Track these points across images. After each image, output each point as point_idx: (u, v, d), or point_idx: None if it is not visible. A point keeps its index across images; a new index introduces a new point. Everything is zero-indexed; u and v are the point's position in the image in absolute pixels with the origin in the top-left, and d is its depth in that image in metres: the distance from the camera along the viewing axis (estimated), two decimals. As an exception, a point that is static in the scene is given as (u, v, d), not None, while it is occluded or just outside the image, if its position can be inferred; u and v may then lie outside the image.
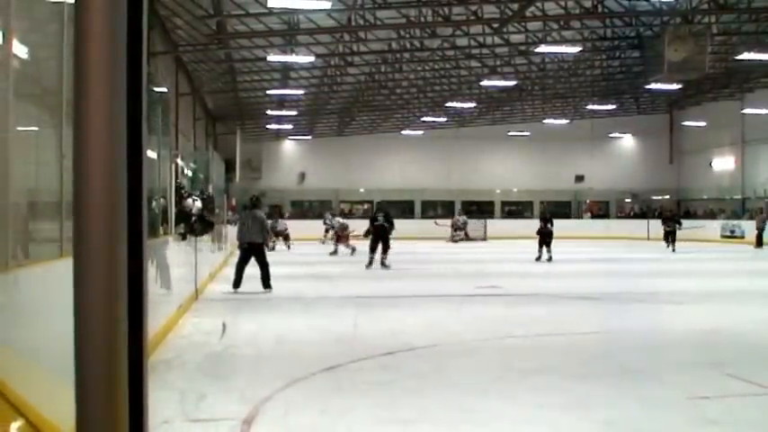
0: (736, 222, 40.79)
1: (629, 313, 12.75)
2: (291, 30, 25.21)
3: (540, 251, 24.94)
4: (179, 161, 14.57)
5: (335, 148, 48.75)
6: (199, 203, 14.03)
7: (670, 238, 31.15)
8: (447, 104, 39.51)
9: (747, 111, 41.80)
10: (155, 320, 8.53)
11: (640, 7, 25.43)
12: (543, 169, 49.65)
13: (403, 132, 48.46)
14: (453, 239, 40.20)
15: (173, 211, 12.54)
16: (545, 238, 24.97)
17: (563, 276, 19.92)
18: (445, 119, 44.77)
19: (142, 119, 1.19)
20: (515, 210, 51.23)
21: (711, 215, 45.06)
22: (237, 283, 15.10)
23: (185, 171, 16.00)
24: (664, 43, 25.81)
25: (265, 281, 15.21)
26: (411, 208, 48.91)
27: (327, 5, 20.59)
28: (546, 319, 11.94)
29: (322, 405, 6.41)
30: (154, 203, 11.05)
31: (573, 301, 14.40)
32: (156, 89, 12.77)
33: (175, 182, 13.29)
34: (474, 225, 42.31)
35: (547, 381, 7.39)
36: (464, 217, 42.41)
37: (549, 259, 24.35)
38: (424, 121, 45.22)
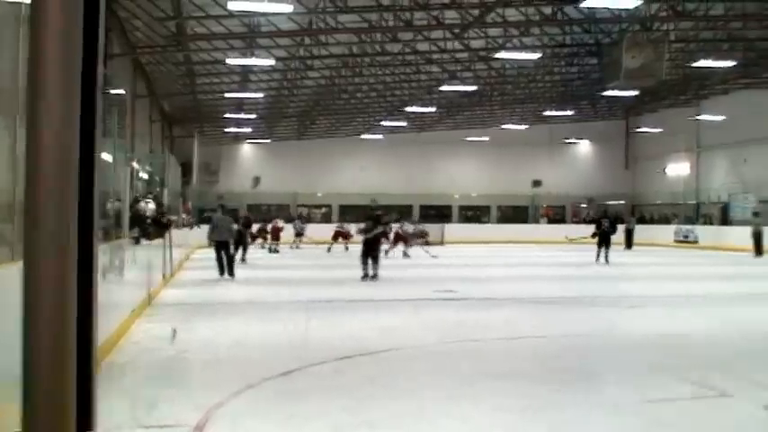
0: (689, 227, 41.46)
1: (585, 317, 12.87)
2: (252, 32, 25.10)
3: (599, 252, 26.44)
4: (135, 164, 14.42)
5: (295, 151, 48.60)
6: (152, 206, 13.93)
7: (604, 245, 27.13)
8: (407, 109, 39.59)
9: (702, 117, 42.50)
10: (107, 325, 8.43)
11: (599, 14, 25.71)
12: (501, 174, 50.01)
13: (362, 136, 48.47)
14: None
15: (127, 214, 12.41)
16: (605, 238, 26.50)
17: (520, 280, 20.04)
18: (405, 123, 44.87)
19: (96, 121, 1.17)
20: (473, 214, 51.48)
21: (665, 220, 45.78)
22: (222, 271, 18.83)
23: (141, 174, 15.85)
24: (621, 50, 26.13)
25: (230, 270, 18.91)
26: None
27: (289, 9, 20.52)
28: (503, 323, 12.02)
29: (276, 411, 6.38)
30: (109, 205, 10.93)
31: (530, 306, 14.50)
32: (113, 91, 12.65)
33: (131, 185, 13.16)
34: (430, 229, 42.29)
35: (504, 385, 7.44)
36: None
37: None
38: (383, 126, 45.27)
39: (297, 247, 35.38)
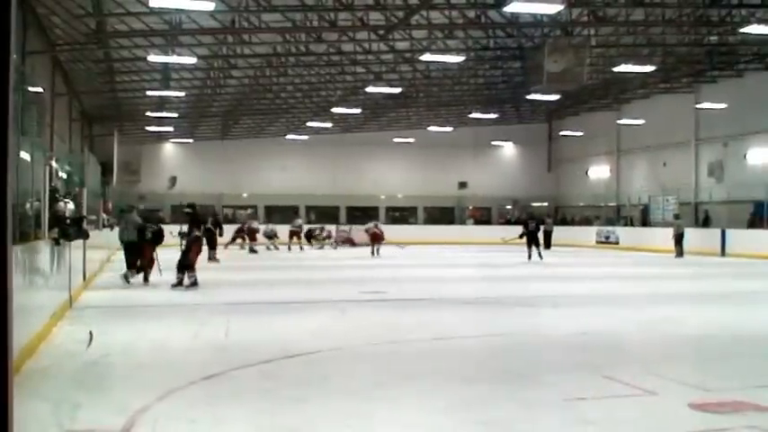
0: (610, 229, 42.43)
1: (509, 317, 13.03)
2: (173, 30, 24.75)
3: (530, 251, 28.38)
4: (53, 163, 14.07)
5: (218, 151, 48.14)
6: (71, 206, 13.62)
7: (534, 244, 28.95)
8: (332, 110, 39.56)
9: (623, 121, 43.55)
10: (26, 329, 8.21)
11: (522, 19, 26.08)
12: (428, 175, 50.39)
13: (288, 137, 48.25)
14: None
15: (46, 215, 12.10)
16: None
17: (446, 281, 20.22)
18: (331, 124, 44.83)
19: (8, 119, 1.15)
20: (400, 216, 51.73)
21: (587, 222, 46.75)
22: (134, 270, 18.13)
23: (60, 173, 15.46)
24: (544, 54, 26.56)
25: (139, 269, 18.15)
26: (296, 213, 48.69)
27: (211, 6, 20.25)
28: (429, 323, 12.09)
29: (200, 414, 6.31)
30: (28, 206, 10.64)
31: (455, 306, 14.63)
32: (31, 89, 12.33)
33: (50, 185, 12.84)
34: (358, 230, 42.39)
35: (429, 384, 7.49)
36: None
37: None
38: (309, 126, 45.14)
39: (275, 248, 36.35)
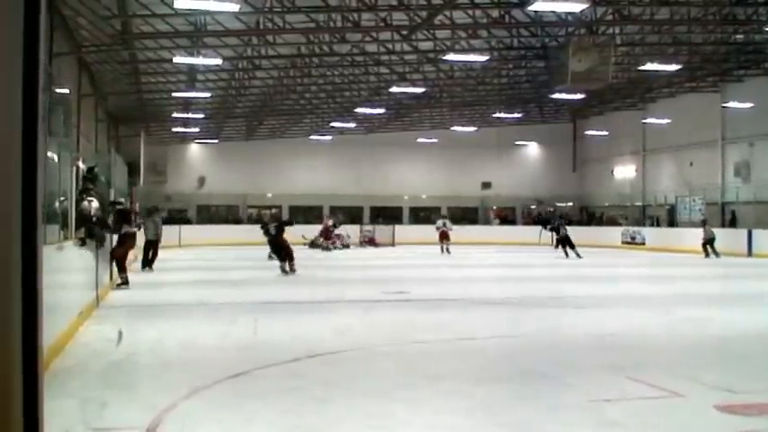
0: (636, 229, 42.11)
1: (532, 317, 13.01)
2: (198, 31, 24.87)
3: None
4: (80, 164, 14.20)
5: (243, 152, 48.31)
6: (96, 204, 13.69)
7: (561, 244, 31.20)
8: (356, 110, 39.60)
9: (649, 120, 43.22)
10: (54, 328, 8.30)
11: (546, 18, 25.99)
12: (451, 176, 50.31)
13: (311, 137, 48.36)
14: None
15: (73, 215, 12.23)
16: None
17: (469, 281, 20.18)
18: (354, 125, 44.88)
19: (38, 121, 1.16)
20: (423, 215, 51.65)
21: (613, 222, 46.42)
22: (144, 265, 21.98)
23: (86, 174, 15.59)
24: (568, 54, 26.45)
25: (150, 264, 22.13)
26: (319, 213, 48.82)
27: (235, 8, 20.35)
28: (452, 324, 12.08)
29: (226, 413, 6.34)
30: (57, 204, 10.76)
31: (479, 306, 14.60)
32: (58, 90, 12.45)
33: (77, 185, 12.97)
34: (382, 231, 42.49)
35: (452, 386, 7.47)
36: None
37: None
38: (333, 127, 45.23)
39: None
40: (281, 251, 21.47)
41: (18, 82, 1.13)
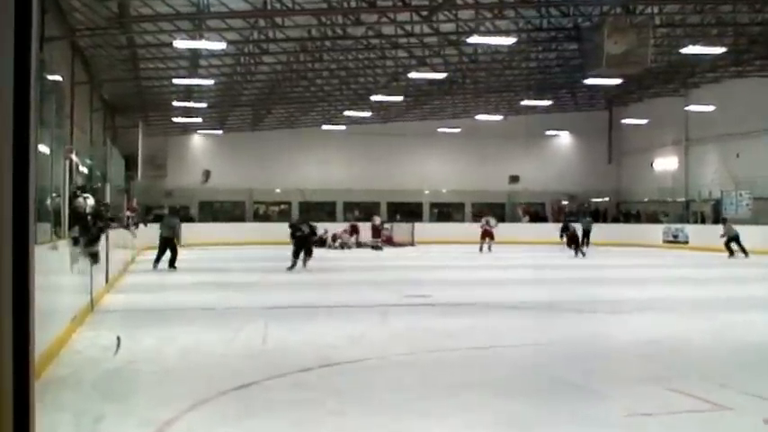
0: (679, 226, 41.84)
1: (563, 323, 12.97)
2: (201, 13, 24.93)
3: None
4: (74, 157, 14.26)
5: (249, 144, 48.32)
6: (91, 201, 13.74)
7: (579, 241, 32.39)
8: (371, 98, 39.55)
9: (692, 108, 42.91)
10: (45, 334, 8.34)
11: (579, -4, 25.92)
12: (475, 168, 50.09)
13: (323, 127, 48.32)
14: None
15: (66, 212, 12.27)
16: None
17: (496, 284, 20.13)
18: (370, 113, 44.83)
19: (30, 111, 1.17)
20: (445, 212, 51.58)
21: (654, 219, 46.12)
22: (157, 262, 23.52)
23: (81, 168, 15.67)
24: (603, 35, 26.30)
25: (171, 263, 23.37)
26: (333, 210, 48.85)
27: (241, -13, 20.45)
28: (477, 330, 12.04)
29: (231, 428, 6.36)
30: (49, 201, 10.81)
31: (506, 311, 14.58)
32: (50, 78, 12.52)
33: (70, 180, 13.02)
34: (400, 229, 42.48)
35: (477, 398, 7.45)
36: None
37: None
38: (346, 116, 45.20)
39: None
40: (308, 250, 23.78)
41: (9, 69, 1.14)
